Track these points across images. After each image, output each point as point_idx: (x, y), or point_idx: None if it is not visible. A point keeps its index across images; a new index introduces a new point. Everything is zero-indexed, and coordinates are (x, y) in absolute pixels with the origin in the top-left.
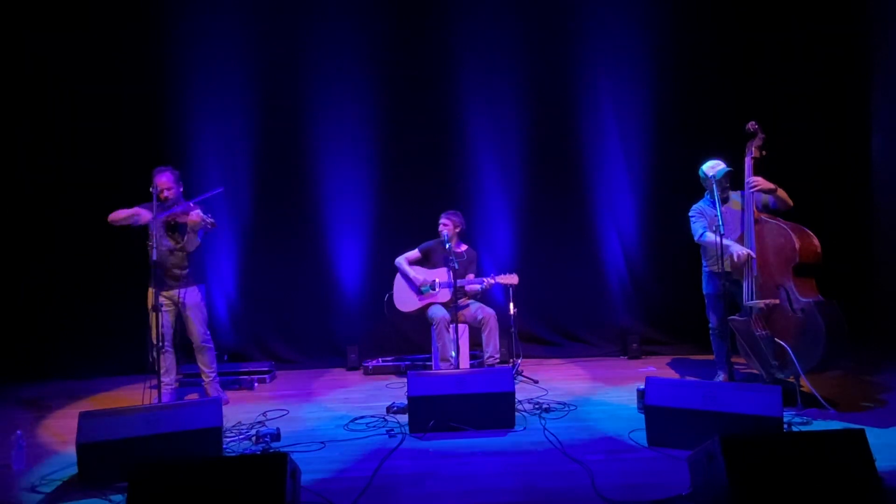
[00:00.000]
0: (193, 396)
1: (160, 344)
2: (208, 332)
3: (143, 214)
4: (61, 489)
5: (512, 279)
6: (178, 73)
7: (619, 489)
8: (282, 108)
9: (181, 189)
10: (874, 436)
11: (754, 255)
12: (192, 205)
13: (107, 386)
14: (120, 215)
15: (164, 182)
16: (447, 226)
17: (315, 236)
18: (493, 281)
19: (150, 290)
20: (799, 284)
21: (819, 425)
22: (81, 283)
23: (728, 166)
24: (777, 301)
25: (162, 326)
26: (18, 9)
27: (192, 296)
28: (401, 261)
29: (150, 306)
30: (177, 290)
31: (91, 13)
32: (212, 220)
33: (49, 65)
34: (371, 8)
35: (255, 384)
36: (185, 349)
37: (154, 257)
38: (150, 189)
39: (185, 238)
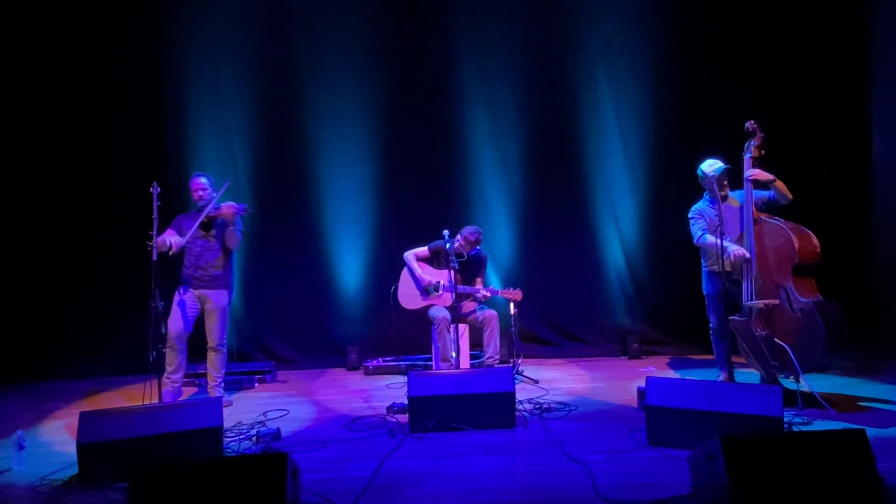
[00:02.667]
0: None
1: (168, 340)
2: (226, 337)
3: (168, 238)
4: (61, 489)
5: (516, 294)
6: (178, 73)
7: (619, 489)
8: (282, 108)
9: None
10: (874, 436)
11: (748, 256)
12: (221, 203)
13: (107, 386)
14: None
15: (197, 185)
16: (470, 242)
17: (315, 236)
18: (497, 293)
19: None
20: (798, 284)
21: (819, 425)
22: (81, 283)
23: (726, 164)
24: (777, 301)
25: (177, 323)
26: (13, 5)
27: (220, 298)
28: (409, 256)
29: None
30: (207, 291)
31: (89, 9)
32: (245, 206)
33: (47, 62)
34: (372, 7)
35: (256, 384)
36: (193, 349)
37: (155, 258)
38: (194, 198)
39: (225, 234)
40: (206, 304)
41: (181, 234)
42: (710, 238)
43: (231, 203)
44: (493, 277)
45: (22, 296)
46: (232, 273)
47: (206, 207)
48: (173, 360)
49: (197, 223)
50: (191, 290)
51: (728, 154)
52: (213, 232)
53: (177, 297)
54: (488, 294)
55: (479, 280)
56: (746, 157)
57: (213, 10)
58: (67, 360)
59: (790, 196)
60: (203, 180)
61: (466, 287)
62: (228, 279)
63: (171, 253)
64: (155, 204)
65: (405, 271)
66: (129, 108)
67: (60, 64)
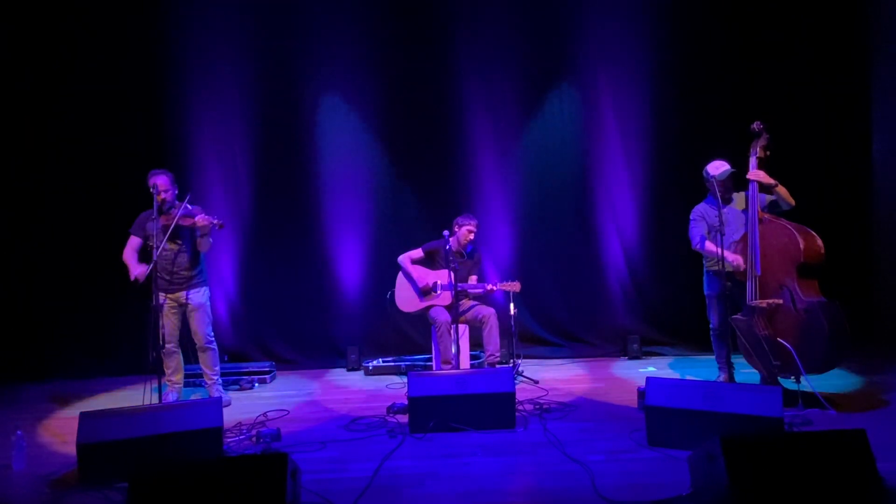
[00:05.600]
0: (196, 397)
1: (162, 344)
2: (212, 334)
3: (134, 241)
4: (61, 489)
5: (514, 286)
6: (177, 71)
7: (619, 489)
8: (282, 106)
9: (176, 191)
10: (874, 436)
11: (743, 267)
12: (190, 208)
13: (107, 386)
14: (128, 258)
15: (163, 184)
16: (473, 232)
17: (315, 236)
18: (495, 288)
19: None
20: (802, 285)
21: (819, 425)
22: (81, 283)
23: (732, 167)
24: (780, 301)
25: (164, 327)
26: (15, 6)
27: (197, 297)
28: (404, 259)
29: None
30: (183, 292)
31: (90, 7)
32: (219, 220)
33: (47, 63)
34: (372, 7)
35: (255, 384)
36: (187, 350)
37: (155, 258)
38: (150, 190)
39: (198, 241)
40: (186, 306)
41: (146, 239)
42: (710, 245)
43: (205, 215)
44: (493, 276)
45: (22, 296)
46: (205, 269)
47: (172, 211)
48: (171, 363)
49: (166, 235)
50: (168, 294)
51: (730, 154)
52: (180, 239)
53: (162, 302)
54: (494, 288)
55: (474, 278)
56: (752, 157)
57: (214, 10)
58: (67, 361)
59: (792, 202)
60: (165, 179)
61: (464, 284)
62: (203, 276)
63: (141, 279)
64: (155, 204)
65: (400, 275)
66: (129, 107)
67: (60, 63)
